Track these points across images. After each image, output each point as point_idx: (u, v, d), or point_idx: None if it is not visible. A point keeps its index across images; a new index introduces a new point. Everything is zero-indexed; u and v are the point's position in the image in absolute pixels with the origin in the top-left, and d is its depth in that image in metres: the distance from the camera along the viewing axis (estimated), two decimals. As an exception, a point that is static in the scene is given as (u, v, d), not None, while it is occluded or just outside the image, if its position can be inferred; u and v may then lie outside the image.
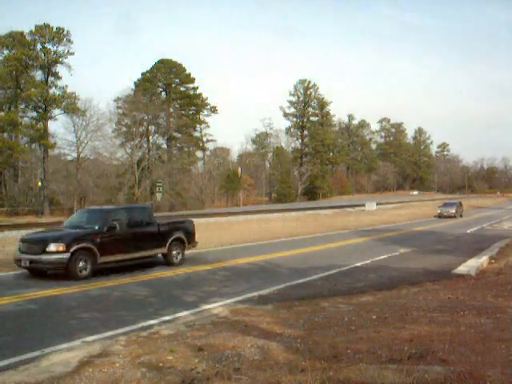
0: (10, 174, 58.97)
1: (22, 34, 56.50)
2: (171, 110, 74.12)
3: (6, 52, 55.81)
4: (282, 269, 12.76)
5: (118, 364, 5.03)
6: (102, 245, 10.93)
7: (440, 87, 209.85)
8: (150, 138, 68.02)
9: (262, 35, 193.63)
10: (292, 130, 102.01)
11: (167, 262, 12.87)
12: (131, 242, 11.77)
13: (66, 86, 59.33)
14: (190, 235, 13.84)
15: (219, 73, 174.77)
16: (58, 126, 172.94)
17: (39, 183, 51.15)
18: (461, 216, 37.92)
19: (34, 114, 59.11)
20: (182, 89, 79.27)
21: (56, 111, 58.85)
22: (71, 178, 58.01)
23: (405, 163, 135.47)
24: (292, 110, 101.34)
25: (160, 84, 77.15)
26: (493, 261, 13.66)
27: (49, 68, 58.35)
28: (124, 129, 65.12)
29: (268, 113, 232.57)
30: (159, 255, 12.98)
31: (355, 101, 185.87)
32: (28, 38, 57.07)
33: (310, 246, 17.72)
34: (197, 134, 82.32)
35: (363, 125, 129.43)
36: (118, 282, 10.44)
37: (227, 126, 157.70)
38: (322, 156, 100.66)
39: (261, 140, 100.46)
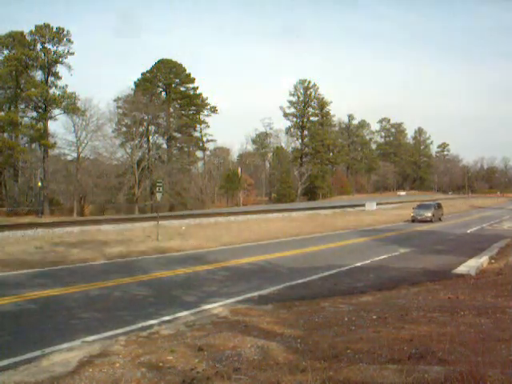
0: (10, 173, 59.00)
1: (22, 34, 56.56)
2: (171, 110, 74.17)
3: (6, 52, 55.92)
4: (282, 269, 12.76)
5: (118, 364, 5.03)
6: None
7: (440, 87, 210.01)
8: (150, 137, 68.14)
9: (262, 35, 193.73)
10: (292, 130, 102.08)
11: None
12: None
13: (66, 85, 59.49)
14: None
15: (219, 73, 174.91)
16: (58, 126, 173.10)
17: (39, 183, 51.16)
18: (440, 220, 33.21)
19: (34, 114, 59.21)
20: (182, 89, 79.31)
21: (56, 111, 59.04)
22: (71, 178, 58.08)
23: (405, 163, 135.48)
24: (292, 110, 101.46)
25: (160, 84, 77.19)
26: (493, 261, 13.66)
27: (49, 68, 58.40)
28: (124, 129, 65.19)
29: (268, 113, 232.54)
30: None
31: (355, 101, 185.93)
32: (28, 38, 57.17)
33: (310, 246, 17.72)
34: (197, 134, 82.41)
35: (363, 125, 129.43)
36: (118, 282, 10.44)
37: (227, 126, 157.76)
38: (322, 156, 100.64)
39: (261, 140, 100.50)
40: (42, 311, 8.02)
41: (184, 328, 6.78)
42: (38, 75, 59.14)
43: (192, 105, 79.74)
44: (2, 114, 55.09)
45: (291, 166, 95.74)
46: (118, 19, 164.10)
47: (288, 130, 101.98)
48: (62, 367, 5.09)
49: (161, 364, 4.95)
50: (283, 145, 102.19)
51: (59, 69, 60.14)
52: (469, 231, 25.64)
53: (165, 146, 73.53)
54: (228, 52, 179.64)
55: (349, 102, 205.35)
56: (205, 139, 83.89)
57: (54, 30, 57.73)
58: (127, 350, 5.65)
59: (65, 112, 57.95)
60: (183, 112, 79.07)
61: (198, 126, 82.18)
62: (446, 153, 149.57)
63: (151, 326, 6.99)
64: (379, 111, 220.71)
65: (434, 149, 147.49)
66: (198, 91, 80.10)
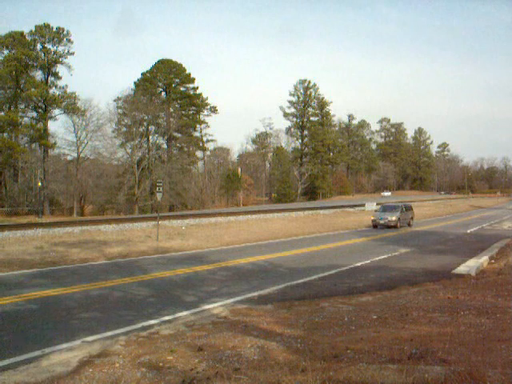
0: (10, 173, 59.00)
1: (21, 34, 56.58)
2: (171, 109, 74.12)
3: (6, 52, 55.90)
4: (282, 269, 12.76)
5: (118, 364, 5.03)
6: None
7: (440, 87, 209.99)
8: (150, 137, 68.09)
9: (262, 35, 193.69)
10: (292, 130, 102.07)
11: None
12: None
13: (66, 85, 59.64)
14: None
15: (219, 73, 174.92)
16: (58, 126, 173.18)
17: (39, 183, 51.15)
18: (409, 225, 27.95)
19: (34, 114, 59.22)
20: (182, 89, 79.27)
21: (56, 111, 59.08)
22: (71, 178, 58.07)
23: (405, 163, 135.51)
24: (292, 110, 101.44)
25: (160, 84, 77.15)
26: (493, 261, 13.66)
27: (49, 68, 58.43)
28: (124, 129, 65.15)
29: (268, 113, 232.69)
30: None
31: (355, 101, 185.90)
32: (28, 38, 57.19)
33: (310, 246, 17.72)
34: (197, 134, 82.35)
35: (363, 125, 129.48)
36: (118, 282, 10.44)
37: (227, 126, 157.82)
38: (322, 156, 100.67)
39: (261, 140, 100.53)
40: (41, 311, 8.02)
41: (184, 328, 6.78)
42: (38, 75, 59.26)
43: (192, 105, 79.70)
44: (2, 114, 55.09)
45: (291, 166, 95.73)
46: (118, 19, 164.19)
47: (288, 130, 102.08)
48: (62, 367, 5.09)
49: (161, 364, 4.95)
50: (283, 145, 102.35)
51: (59, 69, 60.34)
52: (469, 231, 25.63)
53: (165, 146, 73.53)
54: (228, 52, 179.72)
55: (349, 102, 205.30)
56: (205, 139, 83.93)
57: (54, 29, 57.77)
58: (127, 349, 5.65)
59: (65, 112, 57.98)
60: (183, 112, 79.03)
61: (198, 126, 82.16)
62: (446, 153, 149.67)
63: (151, 326, 6.99)
64: (379, 111, 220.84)
65: (434, 149, 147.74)
66: (197, 91, 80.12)
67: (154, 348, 5.64)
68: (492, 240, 19.46)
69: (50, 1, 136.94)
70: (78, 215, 55.16)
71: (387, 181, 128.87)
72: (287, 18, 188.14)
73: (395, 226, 25.90)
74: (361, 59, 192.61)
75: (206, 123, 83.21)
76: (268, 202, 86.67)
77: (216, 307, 8.24)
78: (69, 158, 62.67)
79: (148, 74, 76.20)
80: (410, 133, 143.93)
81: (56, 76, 59.60)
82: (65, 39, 58.35)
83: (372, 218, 27.23)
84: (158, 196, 21.38)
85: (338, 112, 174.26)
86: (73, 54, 59.52)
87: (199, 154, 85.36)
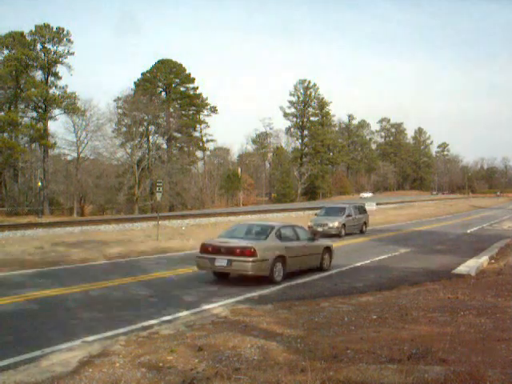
0: (10, 173, 58.97)
1: (22, 34, 56.55)
2: (171, 109, 74.07)
3: (6, 52, 55.90)
4: (282, 269, 12.74)
5: (118, 364, 5.03)
6: None
7: (440, 87, 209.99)
8: (150, 137, 68.06)
9: (262, 35, 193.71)
10: (292, 130, 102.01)
11: None
12: None
13: (66, 85, 59.50)
14: None
15: (219, 73, 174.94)
16: (58, 126, 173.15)
17: (39, 183, 51.14)
18: (361, 232, 22.44)
19: (34, 114, 59.19)
20: (182, 89, 79.28)
21: (56, 111, 59.04)
22: (71, 178, 58.05)
23: (405, 163, 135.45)
24: (292, 110, 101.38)
25: (160, 84, 77.15)
26: (493, 261, 13.65)
27: (49, 68, 58.40)
28: (124, 129, 65.12)
29: (268, 113, 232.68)
30: None
31: (355, 101, 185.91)
32: (28, 38, 57.16)
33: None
34: (197, 134, 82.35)
35: (363, 125, 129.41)
36: (118, 282, 10.44)
37: (227, 126, 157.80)
38: (321, 156, 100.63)
39: (261, 140, 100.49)
40: (42, 311, 8.02)
41: (184, 328, 6.78)
42: (38, 75, 59.21)
43: (192, 105, 79.70)
44: (2, 114, 55.06)
45: (291, 166, 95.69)
46: (118, 19, 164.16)
47: (288, 130, 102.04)
48: (62, 367, 5.09)
49: (161, 364, 4.95)
50: (283, 145, 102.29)
51: (59, 69, 60.20)
52: (469, 231, 25.62)
53: (165, 146, 73.48)
54: (228, 52, 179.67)
55: (349, 102, 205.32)
56: (205, 139, 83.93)
57: (54, 29, 57.72)
58: (127, 349, 5.65)
59: (65, 112, 57.94)
60: (183, 112, 79.01)
61: (197, 125, 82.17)
62: (446, 153, 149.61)
63: (151, 326, 6.99)
64: (379, 111, 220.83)
65: (434, 149, 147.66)
66: (197, 91, 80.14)
67: (154, 348, 5.64)
68: (492, 240, 19.45)
69: (50, 1, 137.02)
70: (78, 215, 55.15)
71: (387, 181, 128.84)
72: (287, 18, 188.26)
73: (338, 235, 20.11)
74: (361, 59, 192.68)
75: (206, 123, 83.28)
76: (268, 202, 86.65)
77: (216, 307, 8.24)
78: (69, 158, 62.71)
79: (148, 74, 76.20)
80: (409, 133, 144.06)
81: (56, 76, 59.58)
82: (65, 39, 58.32)
83: (309, 224, 20.85)
84: (158, 196, 21.38)
85: (338, 112, 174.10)
86: (73, 54, 59.51)
87: (199, 154, 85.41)
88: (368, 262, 13.96)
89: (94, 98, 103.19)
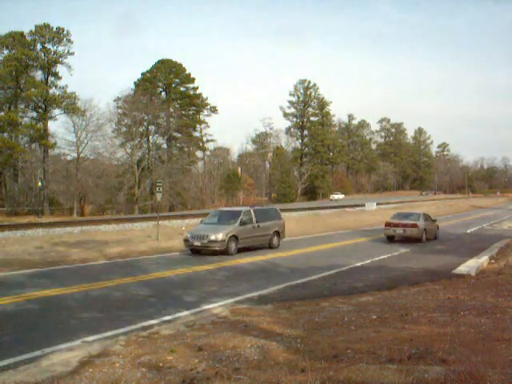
0: (10, 173, 58.96)
1: (22, 34, 56.53)
2: (171, 109, 74.02)
3: (6, 52, 55.88)
4: (282, 269, 12.77)
5: (118, 364, 5.03)
6: None
7: (440, 87, 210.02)
8: (150, 137, 68.03)
9: (262, 35, 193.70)
10: (292, 129, 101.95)
11: None
12: None
13: (66, 85, 59.48)
14: None
15: (219, 73, 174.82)
16: (58, 126, 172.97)
17: (39, 183, 51.14)
18: (270, 247, 16.85)
19: (34, 114, 59.17)
20: (182, 89, 79.24)
21: (56, 111, 59.00)
22: (71, 178, 58.02)
23: (405, 163, 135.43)
24: (292, 110, 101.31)
25: (160, 84, 77.11)
26: (493, 261, 13.66)
27: (49, 68, 58.39)
28: (124, 129, 65.09)
29: (268, 113, 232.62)
30: None
31: (355, 101, 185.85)
32: (28, 38, 57.12)
33: (310, 246, 17.71)
34: (197, 134, 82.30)
35: (363, 125, 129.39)
36: (118, 282, 10.45)
37: (227, 126, 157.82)
38: (321, 156, 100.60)
39: (261, 140, 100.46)
40: (41, 311, 8.02)
41: (184, 328, 6.78)
42: (38, 75, 59.17)
43: (192, 105, 79.67)
44: (2, 114, 55.04)
45: (291, 166, 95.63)
46: (118, 19, 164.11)
47: (288, 130, 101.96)
48: (62, 367, 5.09)
49: (161, 364, 4.95)
50: (283, 145, 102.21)
51: (59, 69, 60.17)
52: (469, 231, 25.63)
53: (165, 145, 73.45)
54: (228, 52, 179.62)
55: (349, 102, 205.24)
56: (205, 139, 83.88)
57: (54, 30, 57.70)
58: (127, 349, 5.65)
59: (65, 112, 57.93)
60: (183, 112, 78.98)
61: (197, 125, 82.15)
62: (446, 153, 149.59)
63: (151, 326, 6.99)
64: (379, 111, 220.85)
65: (434, 149, 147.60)
66: (198, 91, 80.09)
67: (154, 348, 5.64)
68: (492, 240, 19.45)
69: (50, 1, 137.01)
70: (78, 215, 55.14)
71: (387, 181, 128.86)
72: (287, 18, 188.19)
73: (223, 252, 14.81)
74: (361, 59, 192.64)
75: (206, 123, 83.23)
76: (268, 201, 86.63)
77: (216, 307, 8.24)
78: (69, 158, 62.63)
79: (148, 74, 76.18)
80: (410, 133, 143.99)
81: (56, 76, 59.57)
82: (65, 39, 58.31)
83: (186, 236, 15.74)
84: (158, 196, 21.38)
85: (338, 112, 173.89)
86: (73, 53, 59.48)
87: (199, 153, 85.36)
88: (368, 261, 13.97)
89: (94, 98, 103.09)
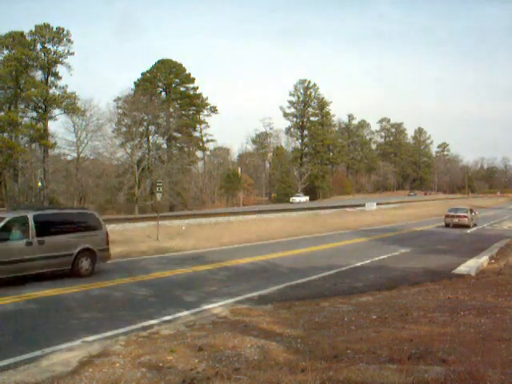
0: (10, 173, 58.94)
1: (22, 34, 56.54)
2: (171, 109, 74.02)
3: (6, 52, 55.88)
4: (282, 269, 12.77)
5: (118, 364, 5.03)
6: None
7: (440, 87, 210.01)
8: (150, 137, 68.03)
9: (262, 35, 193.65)
10: (292, 130, 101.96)
11: None
12: None
13: (66, 85, 59.51)
14: None
15: (219, 73, 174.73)
16: (58, 126, 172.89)
17: (39, 183, 51.17)
18: (80, 275, 11.07)
19: (34, 114, 59.18)
20: (182, 89, 79.26)
21: (56, 111, 59.02)
22: (71, 178, 58.06)
23: (405, 163, 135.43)
24: (292, 110, 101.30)
25: (160, 84, 77.13)
26: (493, 261, 13.66)
27: (49, 68, 58.41)
28: (124, 129, 65.08)
29: (268, 113, 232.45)
30: None
31: (355, 101, 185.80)
32: (28, 38, 57.15)
33: (310, 246, 17.71)
34: (197, 134, 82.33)
35: (363, 125, 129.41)
36: (118, 282, 10.44)
37: (227, 126, 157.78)
38: (321, 156, 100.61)
39: (261, 140, 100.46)
40: (42, 311, 8.02)
41: (184, 328, 6.78)
42: (38, 75, 59.19)
43: (192, 105, 79.68)
44: (2, 114, 55.04)
45: (291, 166, 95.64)
46: (118, 19, 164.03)
47: (288, 130, 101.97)
48: (62, 367, 5.09)
49: (161, 364, 4.95)
50: (283, 145, 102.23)
51: (59, 69, 60.21)
52: (469, 231, 25.63)
53: (165, 146, 73.45)
54: (228, 52, 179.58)
55: (349, 102, 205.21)
56: (205, 139, 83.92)
57: (54, 29, 57.74)
58: (127, 349, 5.65)
59: (65, 112, 57.95)
60: (183, 112, 78.99)
61: (197, 125, 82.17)
62: (446, 153, 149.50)
63: (151, 326, 6.99)
64: (379, 111, 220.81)
65: (434, 149, 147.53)
66: (198, 91, 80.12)
67: (154, 348, 5.64)
68: (492, 240, 19.46)
69: (50, 1, 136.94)
70: (77, 215, 55.04)
71: (387, 181, 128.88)
72: (287, 18, 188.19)
73: None
74: (361, 59, 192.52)
75: (206, 123, 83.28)
76: (268, 201, 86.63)
77: (216, 307, 8.24)
78: (69, 157, 62.65)
79: (148, 74, 76.20)
80: (410, 133, 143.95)
81: (56, 76, 59.59)
82: (65, 39, 58.35)
83: None
84: (158, 196, 21.39)
85: (338, 112, 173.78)
86: (73, 54, 59.54)
87: (199, 153, 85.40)
88: (368, 261, 13.97)
89: (94, 98, 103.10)
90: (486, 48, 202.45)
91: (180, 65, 77.68)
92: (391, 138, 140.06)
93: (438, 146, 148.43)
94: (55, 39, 57.80)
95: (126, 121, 64.59)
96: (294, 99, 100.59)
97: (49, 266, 10.70)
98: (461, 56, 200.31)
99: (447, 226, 27.54)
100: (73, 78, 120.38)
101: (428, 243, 19.57)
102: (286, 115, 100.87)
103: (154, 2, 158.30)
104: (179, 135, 74.90)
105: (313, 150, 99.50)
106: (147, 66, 79.19)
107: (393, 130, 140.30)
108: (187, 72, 78.32)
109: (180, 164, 68.83)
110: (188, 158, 75.86)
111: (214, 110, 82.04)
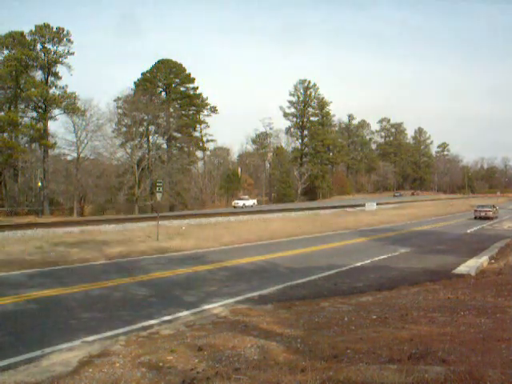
0: (10, 173, 58.96)
1: (22, 34, 56.54)
2: (171, 109, 74.04)
3: (6, 52, 55.88)
4: (282, 269, 12.76)
5: (118, 364, 5.03)
6: None
7: (440, 87, 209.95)
8: (150, 137, 68.05)
9: (262, 35, 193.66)
10: (292, 130, 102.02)
11: None
12: None
13: (66, 85, 59.51)
14: None
15: (219, 73, 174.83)
16: (58, 126, 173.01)
17: (39, 183, 51.17)
18: None
19: (34, 114, 59.17)
20: (182, 89, 79.26)
21: (56, 111, 59.02)
22: (71, 178, 58.06)
23: (405, 163, 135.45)
24: (292, 110, 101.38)
25: (160, 84, 77.13)
26: (493, 261, 13.66)
27: (49, 68, 58.40)
28: (124, 129, 65.11)
29: (268, 113, 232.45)
30: None
31: (355, 101, 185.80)
32: (28, 38, 57.13)
33: (310, 246, 17.71)
34: (197, 134, 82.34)
35: (363, 125, 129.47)
36: (118, 282, 10.44)
37: (227, 126, 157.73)
38: (321, 156, 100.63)
39: (261, 140, 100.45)
40: (41, 311, 8.02)
41: (184, 328, 6.78)
42: (38, 75, 59.19)
43: (192, 105, 79.68)
44: (2, 114, 55.04)
45: (291, 166, 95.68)
46: (118, 19, 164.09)
47: (288, 130, 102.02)
48: (62, 367, 5.10)
49: (161, 364, 4.95)
50: (283, 145, 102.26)
51: (59, 69, 60.22)
52: (469, 231, 25.63)
53: (165, 146, 73.47)
54: (228, 52, 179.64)
55: (349, 102, 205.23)
56: (205, 139, 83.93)
57: (54, 29, 57.73)
58: (127, 349, 5.65)
59: (65, 112, 57.94)
60: (183, 112, 79.00)
61: (197, 125, 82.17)
62: (446, 153, 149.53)
63: (151, 326, 6.99)
64: (379, 111, 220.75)
65: (434, 149, 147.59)
66: (197, 91, 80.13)
67: (154, 348, 5.64)
68: (492, 240, 19.46)
69: (50, 1, 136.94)
70: (78, 215, 55.13)
71: (387, 181, 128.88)
72: (287, 18, 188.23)
73: None
74: (361, 59, 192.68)
75: (206, 123, 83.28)
76: (268, 201, 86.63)
77: (216, 307, 8.24)
78: (69, 158, 62.68)
79: (148, 74, 76.19)
80: (410, 133, 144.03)
81: (56, 76, 59.59)
82: (65, 39, 58.34)
83: None
84: (158, 196, 21.38)
85: (338, 112, 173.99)
86: (73, 54, 59.52)
87: (199, 153, 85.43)
88: (368, 261, 13.97)
89: (94, 98, 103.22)
90: (486, 47, 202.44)
91: (180, 65, 77.68)
92: (391, 138, 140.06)
93: (438, 146, 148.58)
94: (55, 39, 57.80)
95: (125, 121, 64.63)
96: (294, 99, 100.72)
97: None
98: (461, 56, 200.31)
99: (476, 218, 36.52)
100: (73, 77, 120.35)
101: (428, 243, 19.57)
102: (285, 115, 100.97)
103: (153, 2, 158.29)
104: (179, 135, 74.91)
105: (313, 150, 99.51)
106: (147, 65, 79.26)
107: (393, 130, 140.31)
108: (187, 72, 78.35)
109: (180, 164, 68.86)
110: (188, 158, 75.85)
111: (214, 110, 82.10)
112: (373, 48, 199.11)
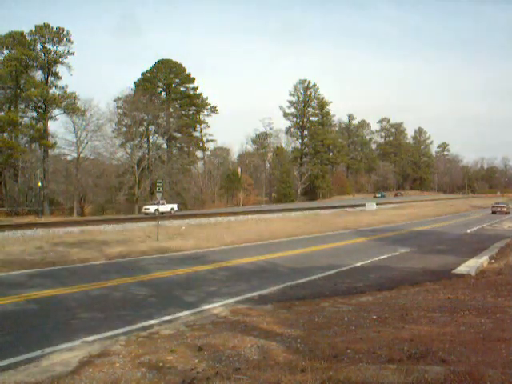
0: (10, 173, 58.95)
1: (22, 34, 56.58)
2: (171, 109, 74.03)
3: (6, 52, 55.91)
4: (282, 269, 12.76)
5: (118, 364, 5.03)
6: None
7: (440, 87, 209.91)
8: (150, 137, 68.05)
9: (262, 35, 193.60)
10: (292, 130, 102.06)
11: None
12: None
13: (66, 85, 59.57)
14: None
15: (219, 73, 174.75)
16: (58, 126, 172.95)
17: (39, 183, 51.15)
18: None
19: (34, 114, 59.21)
20: (182, 89, 79.27)
21: (56, 111, 59.08)
22: (71, 178, 58.08)
23: (405, 163, 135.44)
24: (292, 110, 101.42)
25: (160, 84, 77.14)
26: (493, 261, 13.66)
27: (49, 68, 58.43)
28: (124, 129, 65.12)
29: (268, 113, 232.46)
30: None
31: (355, 101, 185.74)
32: (28, 38, 57.19)
33: (310, 246, 17.71)
34: (197, 134, 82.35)
35: (363, 125, 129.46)
36: (118, 282, 10.44)
37: (227, 126, 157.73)
38: (321, 156, 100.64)
39: (261, 140, 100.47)
40: (42, 311, 8.01)
41: (184, 328, 6.78)
42: (38, 75, 59.25)
43: (192, 105, 79.69)
44: (2, 114, 55.06)
45: (291, 166, 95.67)
46: (118, 19, 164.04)
47: (288, 130, 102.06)
48: (62, 367, 5.09)
49: (161, 364, 4.95)
50: (283, 145, 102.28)
51: (59, 69, 60.29)
52: (469, 231, 25.63)
53: (165, 146, 73.47)
54: (228, 52, 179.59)
55: (349, 102, 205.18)
56: (205, 139, 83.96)
57: (54, 29, 57.77)
58: (127, 349, 5.65)
59: (65, 112, 57.97)
60: (183, 112, 79.00)
61: (197, 125, 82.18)
62: (445, 153, 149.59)
63: (151, 326, 6.99)
64: (379, 111, 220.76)
65: (434, 149, 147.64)
66: (197, 91, 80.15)
67: (154, 348, 5.64)
68: (492, 240, 19.46)
69: (50, 1, 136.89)
70: (78, 215, 55.14)
71: (387, 181, 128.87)
72: (287, 18, 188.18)
73: None
74: (361, 59, 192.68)
75: (206, 123, 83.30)
76: (268, 202, 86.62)
77: (216, 307, 8.24)
78: (69, 158, 62.72)
79: (148, 74, 76.20)
80: (410, 133, 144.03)
81: (56, 76, 59.62)
82: (65, 39, 58.39)
83: None
84: (158, 196, 21.37)
85: (338, 112, 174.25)
86: (73, 54, 59.59)
87: (199, 153, 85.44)
88: (368, 261, 13.96)
89: (94, 98, 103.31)
90: (485, 48, 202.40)
91: (180, 65, 77.69)
92: (391, 138, 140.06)
93: (438, 146, 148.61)
94: (55, 39, 57.84)
95: (125, 121, 64.64)
96: (293, 99, 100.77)
97: None
98: (461, 56, 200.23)
99: (494, 213, 44.58)
100: (73, 77, 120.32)
101: (428, 243, 19.57)
102: (286, 115, 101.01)
103: (153, 2, 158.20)
104: (179, 135, 74.92)
105: (313, 150, 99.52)
106: (147, 66, 79.25)
107: (393, 130, 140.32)
108: (187, 72, 78.36)
109: (180, 164, 68.87)
110: (188, 158, 75.87)
111: (214, 110, 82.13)
112: (373, 48, 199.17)
